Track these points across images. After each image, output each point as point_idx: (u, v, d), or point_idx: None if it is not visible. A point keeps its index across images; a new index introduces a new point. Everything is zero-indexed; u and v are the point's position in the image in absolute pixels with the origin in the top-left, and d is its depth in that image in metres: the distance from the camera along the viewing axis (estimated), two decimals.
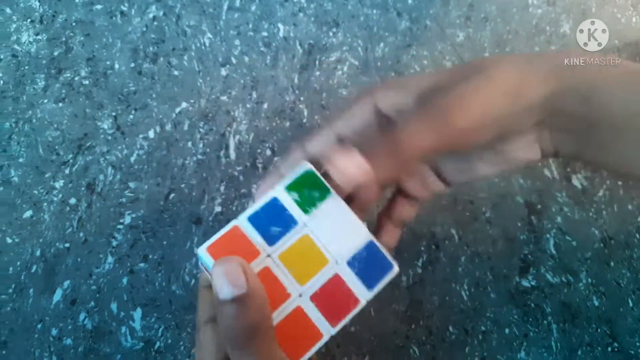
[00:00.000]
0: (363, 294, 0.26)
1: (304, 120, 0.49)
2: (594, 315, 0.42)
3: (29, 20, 0.51)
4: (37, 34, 0.51)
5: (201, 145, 0.47)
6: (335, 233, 0.26)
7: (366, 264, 0.26)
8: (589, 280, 0.43)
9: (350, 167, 0.24)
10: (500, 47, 0.53)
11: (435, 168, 0.30)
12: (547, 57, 0.26)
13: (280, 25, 0.53)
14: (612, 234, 0.45)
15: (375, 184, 0.25)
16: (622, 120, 0.24)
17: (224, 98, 0.49)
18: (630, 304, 0.42)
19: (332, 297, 0.26)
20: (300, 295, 0.25)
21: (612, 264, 0.44)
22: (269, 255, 0.25)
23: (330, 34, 0.53)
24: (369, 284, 0.26)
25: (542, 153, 0.28)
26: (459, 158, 0.29)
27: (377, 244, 0.27)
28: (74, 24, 0.51)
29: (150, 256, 0.44)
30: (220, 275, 0.22)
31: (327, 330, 0.25)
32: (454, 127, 0.24)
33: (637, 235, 0.45)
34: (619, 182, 0.47)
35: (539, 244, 0.45)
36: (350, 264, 0.26)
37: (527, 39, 0.54)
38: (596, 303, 0.42)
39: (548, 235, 0.45)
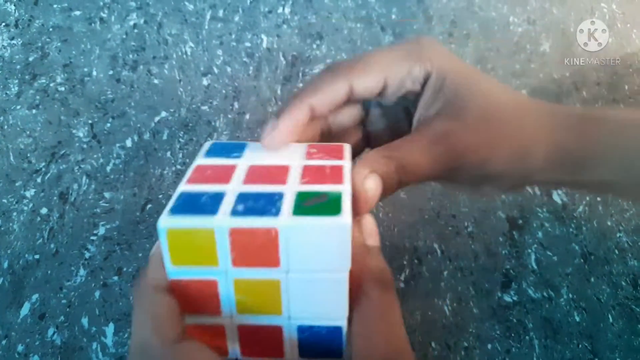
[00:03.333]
0: (291, 356, 0.23)
1: None
2: (575, 330, 0.42)
3: (3, 24, 0.50)
4: (11, 39, 0.49)
5: (181, 155, 0.46)
6: (312, 298, 0.22)
7: (317, 339, 0.23)
8: (570, 295, 0.43)
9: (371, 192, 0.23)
10: (482, 63, 0.54)
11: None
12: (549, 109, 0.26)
13: (263, 37, 0.52)
14: (592, 250, 0.45)
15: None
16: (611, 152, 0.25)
17: (205, 108, 0.48)
18: (611, 320, 0.42)
19: (260, 338, 0.23)
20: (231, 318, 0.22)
21: (592, 279, 0.44)
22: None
23: (314, 46, 0.52)
24: (304, 352, 0.23)
25: (513, 189, 0.29)
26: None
27: (344, 332, 0.23)
28: (51, 29, 0.50)
29: (125, 269, 0.42)
30: (371, 226, 0.23)
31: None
32: (453, 153, 0.25)
33: (617, 251, 0.45)
34: (598, 199, 0.48)
35: (520, 259, 0.44)
36: (300, 329, 0.23)
37: (507, 57, 0.54)
38: (577, 318, 0.42)
39: (529, 250, 0.45)
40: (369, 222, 0.23)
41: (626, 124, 0.26)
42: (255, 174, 0.22)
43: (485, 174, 0.26)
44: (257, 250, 0.20)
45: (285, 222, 0.20)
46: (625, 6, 0.57)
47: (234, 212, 0.20)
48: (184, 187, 0.21)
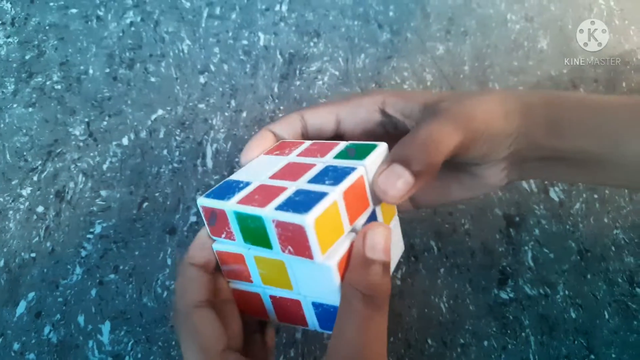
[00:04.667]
0: (314, 325, 0.26)
1: None
2: (571, 327, 0.42)
3: None
4: (7, 37, 0.49)
5: (177, 153, 0.46)
6: (312, 282, 0.25)
7: (332, 315, 0.25)
8: (566, 292, 0.43)
9: (396, 185, 0.24)
10: (480, 60, 0.54)
11: None
12: (520, 94, 0.29)
13: (260, 34, 0.52)
14: (589, 247, 0.45)
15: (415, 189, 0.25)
16: (594, 150, 0.28)
17: (201, 106, 0.48)
18: (607, 316, 0.42)
19: (287, 307, 0.26)
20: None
21: (588, 276, 0.44)
22: None
23: (311, 44, 0.52)
24: (323, 325, 0.26)
25: (508, 180, 0.31)
26: (437, 181, 0.30)
27: None
28: (47, 27, 0.50)
29: (121, 267, 0.42)
30: (377, 238, 0.23)
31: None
32: (470, 131, 0.26)
33: (613, 248, 0.45)
34: (595, 196, 0.47)
35: (517, 256, 0.44)
36: (314, 305, 0.25)
37: (505, 54, 0.54)
38: (573, 315, 0.42)
39: (526, 248, 0.45)
40: (378, 235, 0.24)
41: (588, 103, 0.29)
42: (286, 170, 0.26)
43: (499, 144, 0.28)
44: (255, 232, 0.24)
45: (270, 214, 0.23)
46: (624, 3, 0.57)
47: (242, 200, 0.24)
48: (230, 177, 0.27)
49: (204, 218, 0.27)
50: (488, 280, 0.43)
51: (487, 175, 0.30)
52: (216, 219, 0.26)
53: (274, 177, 0.26)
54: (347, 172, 0.24)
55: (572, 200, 0.47)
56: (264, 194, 0.24)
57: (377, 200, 0.26)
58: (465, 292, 0.43)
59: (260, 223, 0.23)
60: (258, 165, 0.28)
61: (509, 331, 0.41)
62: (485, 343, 0.41)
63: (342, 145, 0.27)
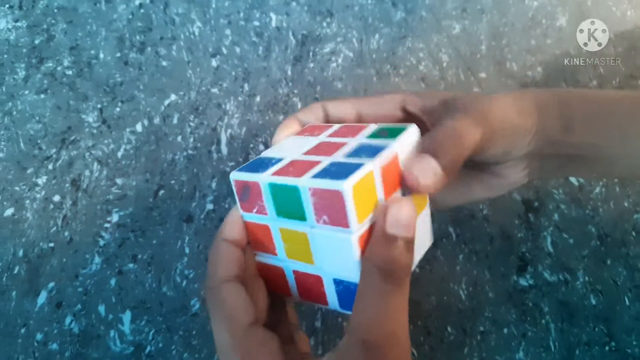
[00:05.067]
0: (334, 304, 0.26)
1: None
2: (591, 314, 0.42)
3: (7, 5, 0.49)
4: (16, 21, 0.48)
5: (191, 139, 0.46)
6: (333, 256, 0.25)
7: (352, 293, 0.25)
8: (586, 278, 0.43)
9: (428, 175, 0.25)
10: (497, 39, 0.52)
11: None
12: (534, 93, 0.30)
13: (272, 15, 0.51)
14: (609, 232, 0.45)
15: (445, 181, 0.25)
16: (601, 144, 0.29)
17: (214, 90, 0.47)
18: (627, 302, 0.42)
19: (309, 284, 0.26)
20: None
21: (608, 261, 0.44)
22: None
23: (324, 24, 0.51)
24: (343, 304, 0.26)
25: (529, 178, 0.32)
26: (456, 182, 0.32)
27: None
28: (55, 10, 0.49)
29: (140, 256, 0.42)
30: (399, 213, 0.23)
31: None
32: (488, 126, 0.26)
33: (633, 233, 0.45)
34: (615, 180, 0.47)
35: (536, 242, 0.44)
36: (336, 281, 0.25)
37: (523, 32, 0.53)
38: (593, 302, 0.42)
39: (545, 233, 0.44)
40: (400, 209, 0.23)
41: (603, 100, 0.30)
42: (318, 147, 0.26)
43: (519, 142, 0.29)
44: (289, 204, 0.24)
45: (306, 182, 0.23)
46: None
47: (277, 172, 0.25)
48: (263, 153, 0.27)
49: (235, 193, 0.27)
50: (507, 267, 0.43)
51: (509, 174, 0.31)
52: (249, 193, 0.26)
53: (307, 153, 0.26)
54: (381, 148, 0.24)
55: (591, 184, 0.46)
56: (299, 167, 0.25)
57: (406, 190, 0.25)
58: (484, 279, 0.42)
59: (296, 193, 0.23)
60: (289, 144, 0.28)
61: (528, 318, 0.41)
62: (505, 330, 0.41)
63: (372, 126, 0.27)
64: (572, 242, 0.44)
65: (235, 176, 0.26)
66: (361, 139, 0.26)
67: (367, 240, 0.23)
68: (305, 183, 0.23)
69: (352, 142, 0.26)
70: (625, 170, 0.31)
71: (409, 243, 0.23)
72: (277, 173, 0.25)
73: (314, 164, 0.24)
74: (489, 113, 0.27)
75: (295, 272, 0.26)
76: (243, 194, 0.27)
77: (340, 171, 0.23)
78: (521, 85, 0.51)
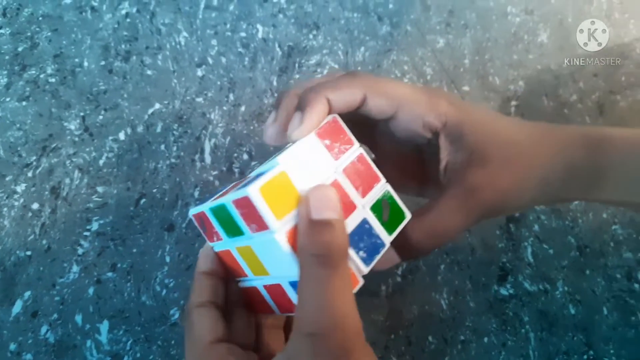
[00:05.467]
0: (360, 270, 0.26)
1: None
2: (570, 323, 0.42)
3: None
4: None
5: (175, 148, 0.46)
6: (275, 259, 0.25)
7: (361, 239, 0.26)
8: (566, 288, 0.43)
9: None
10: (480, 54, 0.53)
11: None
12: (560, 136, 0.28)
13: (259, 26, 0.51)
14: (588, 242, 0.45)
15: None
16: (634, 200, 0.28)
17: (199, 100, 0.48)
18: (605, 312, 0.43)
19: (280, 296, 0.26)
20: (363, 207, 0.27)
21: (587, 272, 0.44)
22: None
23: (311, 36, 0.51)
24: (364, 260, 0.26)
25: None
26: None
27: (371, 222, 0.26)
28: (40, 18, 0.49)
29: (119, 265, 0.42)
30: (321, 198, 0.23)
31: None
32: (479, 208, 0.27)
33: (612, 244, 0.45)
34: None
35: (517, 252, 0.45)
36: (292, 284, 0.25)
37: (505, 47, 0.54)
38: (572, 311, 0.42)
39: (526, 244, 0.45)
40: (321, 195, 0.24)
41: (630, 142, 0.28)
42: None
43: (512, 207, 0.29)
44: (228, 222, 0.25)
45: (229, 197, 0.24)
46: None
47: (215, 198, 0.27)
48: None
49: (199, 228, 0.28)
50: (488, 277, 0.43)
51: None
52: (204, 224, 0.28)
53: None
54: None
55: None
56: (238, 185, 0.26)
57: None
58: (465, 289, 0.43)
59: (226, 210, 0.25)
60: (304, 154, 0.26)
61: (509, 327, 0.42)
62: (486, 339, 0.41)
63: (381, 189, 0.27)
64: (552, 253, 0.45)
65: (193, 211, 0.29)
66: (367, 209, 0.27)
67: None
68: (229, 198, 0.24)
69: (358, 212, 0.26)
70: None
71: (339, 223, 0.23)
72: (219, 196, 0.26)
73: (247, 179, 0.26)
74: (482, 197, 0.27)
75: (265, 287, 0.27)
76: (202, 226, 0.29)
77: (257, 178, 0.23)
78: (503, 100, 0.52)
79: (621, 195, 0.28)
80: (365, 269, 0.26)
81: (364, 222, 0.26)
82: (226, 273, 0.29)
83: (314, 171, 0.25)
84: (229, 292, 0.29)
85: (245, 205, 0.23)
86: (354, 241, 0.25)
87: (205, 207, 0.27)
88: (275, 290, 0.26)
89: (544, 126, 0.29)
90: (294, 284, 0.25)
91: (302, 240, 0.23)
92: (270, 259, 0.25)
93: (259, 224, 0.23)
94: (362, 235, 0.26)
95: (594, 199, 0.29)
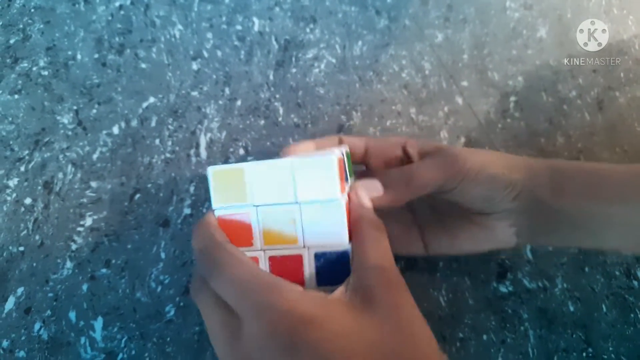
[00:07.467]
0: (311, 283, 0.28)
1: (279, 119, 0.47)
2: (569, 320, 0.42)
3: None
4: None
5: (170, 143, 0.45)
6: (320, 226, 0.28)
7: (330, 267, 0.28)
8: (565, 285, 0.43)
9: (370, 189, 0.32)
10: (479, 49, 0.53)
11: (422, 235, 0.37)
12: (525, 157, 0.34)
13: (255, 19, 0.50)
14: None
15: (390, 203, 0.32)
16: (595, 211, 0.31)
17: (194, 93, 0.47)
18: (604, 309, 0.42)
19: (285, 268, 0.28)
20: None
21: (586, 269, 0.44)
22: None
23: (307, 30, 0.51)
24: (321, 279, 0.28)
25: (518, 240, 0.35)
26: (445, 229, 0.36)
27: (350, 255, 0.28)
28: (32, 10, 0.48)
29: (113, 261, 0.41)
30: (372, 184, 0.33)
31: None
32: (457, 170, 0.31)
33: None
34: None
35: (515, 249, 0.44)
36: (316, 256, 0.28)
37: (504, 42, 0.53)
38: (571, 308, 0.42)
39: None
40: (369, 184, 0.32)
41: (603, 177, 0.32)
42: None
43: (493, 180, 0.32)
44: (274, 184, 0.28)
45: (292, 162, 0.27)
46: None
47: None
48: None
49: (210, 185, 0.29)
50: (487, 274, 0.43)
51: (495, 227, 0.34)
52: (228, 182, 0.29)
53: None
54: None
55: None
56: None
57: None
58: (464, 286, 0.42)
59: (285, 171, 0.27)
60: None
61: (507, 325, 0.41)
62: (485, 337, 0.41)
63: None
64: (551, 249, 0.44)
65: (214, 168, 0.29)
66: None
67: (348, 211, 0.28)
68: (294, 160, 0.27)
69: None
70: (619, 240, 0.33)
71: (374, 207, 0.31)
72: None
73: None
74: (463, 160, 0.31)
75: (271, 258, 0.28)
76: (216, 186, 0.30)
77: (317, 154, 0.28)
78: (501, 95, 0.51)
79: (578, 203, 0.32)
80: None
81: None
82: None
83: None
84: None
85: (318, 167, 0.27)
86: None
87: (247, 166, 0.28)
88: (285, 262, 0.28)
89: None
90: (318, 256, 0.28)
91: (362, 211, 0.29)
92: (313, 225, 0.27)
93: (324, 190, 0.27)
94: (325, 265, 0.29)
95: (559, 206, 0.33)
